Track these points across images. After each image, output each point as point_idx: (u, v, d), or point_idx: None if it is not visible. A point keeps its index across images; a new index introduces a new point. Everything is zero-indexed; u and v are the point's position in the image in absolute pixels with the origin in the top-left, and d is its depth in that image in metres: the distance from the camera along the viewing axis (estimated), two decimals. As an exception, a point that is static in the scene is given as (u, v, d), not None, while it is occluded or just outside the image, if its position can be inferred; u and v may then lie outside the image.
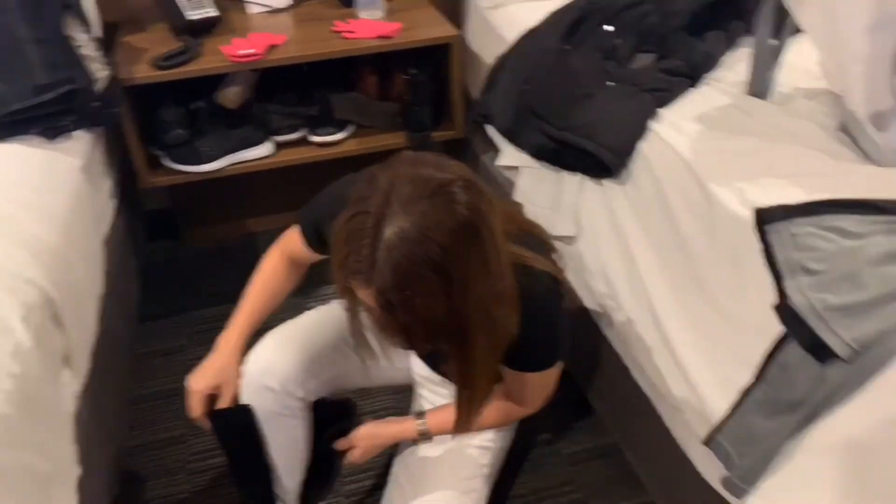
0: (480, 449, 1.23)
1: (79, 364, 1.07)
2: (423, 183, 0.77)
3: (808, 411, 0.87)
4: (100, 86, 1.38)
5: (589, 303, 1.35)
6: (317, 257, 1.14)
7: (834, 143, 1.08)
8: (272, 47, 1.60)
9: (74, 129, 1.34)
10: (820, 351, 0.83)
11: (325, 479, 1.30)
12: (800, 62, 1.24)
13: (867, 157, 1.03)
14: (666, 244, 1.12)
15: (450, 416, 1.16)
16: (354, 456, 1.20)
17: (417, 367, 1.31)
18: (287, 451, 1.20)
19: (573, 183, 1.33)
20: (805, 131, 1.11)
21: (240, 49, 1.56)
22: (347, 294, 0.86)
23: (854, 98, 1.01)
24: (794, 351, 0.87)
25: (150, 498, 1.44)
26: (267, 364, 1.13)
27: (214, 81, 1.69)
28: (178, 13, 1.63)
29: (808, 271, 0.86)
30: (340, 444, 1.20)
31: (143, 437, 1.56)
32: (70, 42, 1.35)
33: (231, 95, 1.68)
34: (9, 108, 1.21)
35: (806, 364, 0.86)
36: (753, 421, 0.94)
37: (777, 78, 1.22)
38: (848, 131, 1.07)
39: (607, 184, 1.25)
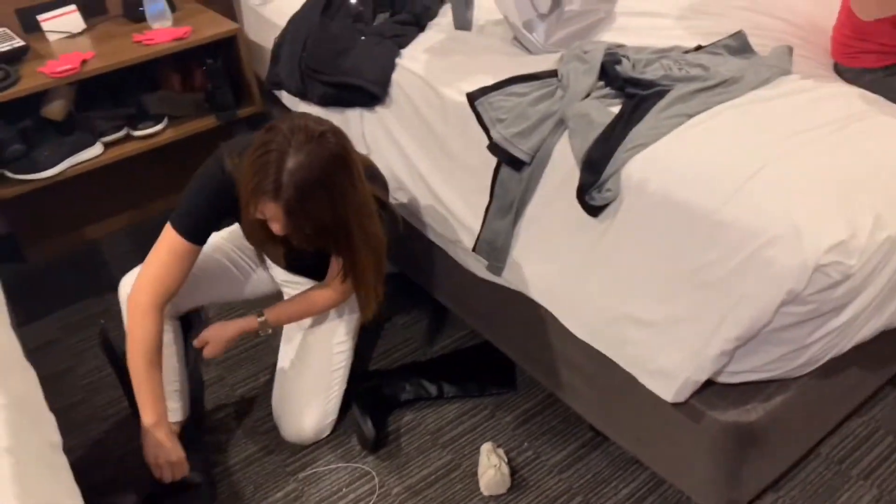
0: (339, 345, 1.67)
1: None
2: (309, 131, 1.21)
3: (518, 204, 1.40)
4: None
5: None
6: (183, 269, 1.40)
7: (511, 48, 1.64)
8: (84, 62, 1.90)
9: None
10: (515, 163, 1.37)
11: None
12: (487, 4, 1.80)
13: (529, 51, 1.60)
14: (424, 137, 1.62)
15: (285, 309, 1.58)
16: (208, 351, 1.52)
17: (280, 275, 1.72)
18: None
19: (355, 117, 1.80)
20: (493, 45, 1.66)
21: (57, 67, 1.84)
22: (254, 212, 1.25)
23: (512, 14, 1.56)
24: (505, 171, 1.41)
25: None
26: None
27: (36, 101, 1.95)
28: (-12, 47, 1.87)
29: (501, 120, 1.40)
30: (196, 343, 1.53)
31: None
32: None
33: (56, 108, 1.95)
34: None
35: (511, 176, 1.40)
36: (494, 225, 1.47)
37: (474, 15, 1.77)
38: (517, 39, 1.64)
39: (379, 110, 1.73)
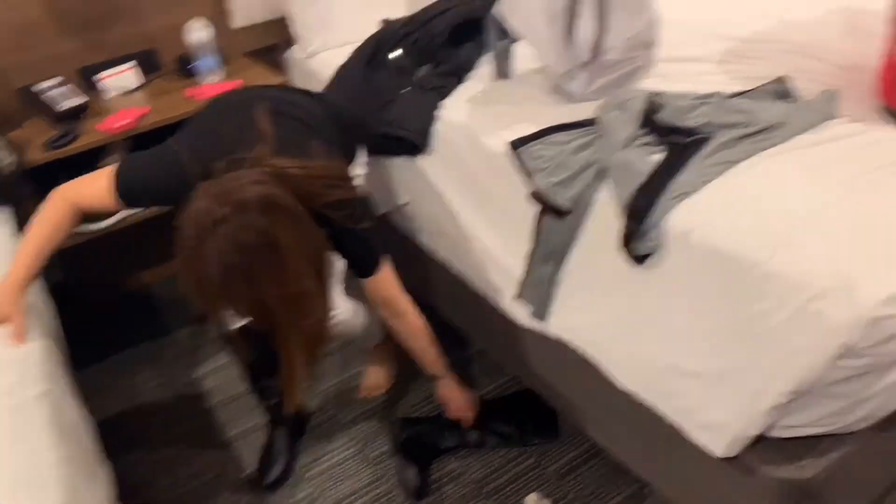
0: None
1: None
2: (233, 204, 1.05)
3: (561, 252, 1.41)
4: (10, 170, 1.71)
5: (425, 240, 1.86)
6: (106, 209, 1.37)
7: (552, 96, 1.65)
8: (142, 117, 1.98)
9: (-3, 206, 1.66)
10: (557, 211, 1.38)
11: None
12: (528, 52, 1.82)
13: (569, 100, 1.61)
14: (467, 185, 1.64)
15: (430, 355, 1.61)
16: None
17: None
18: None
19: (398, 165, 1.83)
20: (534, 94, 1.67)
21: (115, 122, 1.93)
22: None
23: (552, 65, 1.59)
24: (548, 218, 1.41)
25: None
26: None
27: (95, 157, 2.03)
28: (49, 107, 1.97)
29: (542, 169, 1.41)
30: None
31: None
32: (-21, 139, 1.68)
33: (111, 162, 2.03)
34: (-51, 194, 1.52)
35: (554, 223, 1.40)
36: (537, 271, 1.47)
37: (514, 65, 1.80)
38: (558, 87, 1.66)
39: (422, 159, 1.75)
